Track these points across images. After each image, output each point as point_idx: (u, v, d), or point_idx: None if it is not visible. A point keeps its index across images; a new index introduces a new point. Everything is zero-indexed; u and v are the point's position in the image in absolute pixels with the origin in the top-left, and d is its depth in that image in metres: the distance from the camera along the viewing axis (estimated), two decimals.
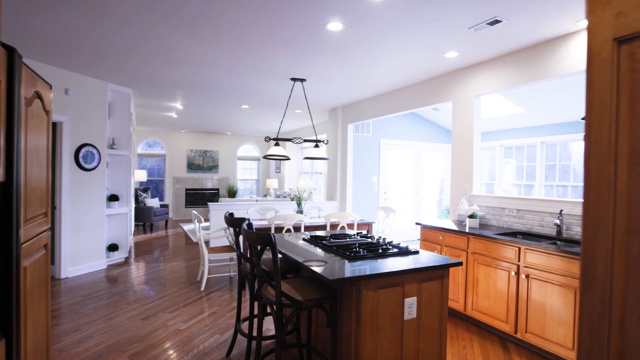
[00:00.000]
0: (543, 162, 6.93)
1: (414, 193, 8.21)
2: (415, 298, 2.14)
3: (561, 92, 5.41)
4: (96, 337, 3.14)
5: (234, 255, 4.62)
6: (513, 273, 3.09)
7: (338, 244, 2.66)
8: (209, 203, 6.58)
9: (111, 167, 5.81)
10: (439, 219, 8.50)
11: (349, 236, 3.03)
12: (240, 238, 5.04)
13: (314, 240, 2.85)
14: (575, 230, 3.23)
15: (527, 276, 2.99)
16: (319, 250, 2.55)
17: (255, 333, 2.90)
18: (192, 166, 11.78)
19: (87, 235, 5.21)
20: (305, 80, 5.18)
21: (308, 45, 3.76)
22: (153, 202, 9.25)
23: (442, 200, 8.63)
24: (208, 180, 12.03)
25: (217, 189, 12.16)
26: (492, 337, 3.30)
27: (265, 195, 12.23)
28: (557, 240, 3.23)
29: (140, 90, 5.98)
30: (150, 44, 3.83)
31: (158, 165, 11.53)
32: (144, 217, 8.68)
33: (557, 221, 3.25)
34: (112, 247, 5.67)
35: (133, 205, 7.78)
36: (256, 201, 7.80)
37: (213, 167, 12.13)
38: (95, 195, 5.30)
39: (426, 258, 2.36)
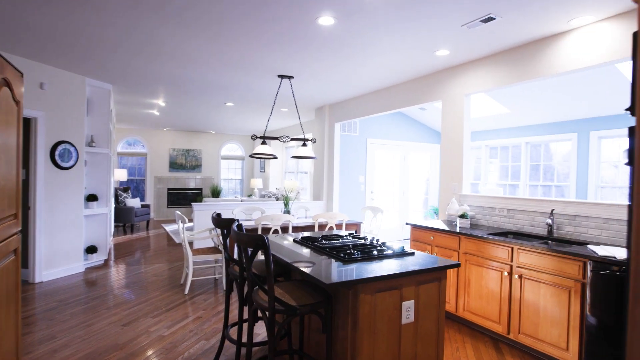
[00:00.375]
0: (528, 162, 7.01)
1: (401, 193, 8.20)
2: (412, 301, 2.07)
3: (548, 92, 5.46)
4: (73, 346, 2.95)
5: (219, 257, 4.48)
6: (506, 273, 3.07)
7: (331, 245, 2.56)
8: (192, 203, 6.39)
9: (90, 165, 5.57)
10: (425, 219, 8.52)
11: (341, 237, 2.94)
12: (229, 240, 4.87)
13: (305, 242, 2.75)
14: (566, 230, 3.23)
15: (520, 276, 2.96)
16: (311, 252, 2.45)
17: (245, 339, 2.78)
18: (174, 165, 11.50)
19: (64, 237, 4.97)
20: (293, 77, 5.07)
21: (298, 40, 3.65)
22: (134, 202, 8.95)
23: (428, 200, 8.65)
24: (191, 180, 11.76)
25: (200, 189, 11.90)
26: (484, 338, 3.27)
27: (249, 195, 12.04)
28: (549, 240, 3.22)
29: (121, 86, 5.75)
30: (133, 37, 3.65)
31: (139, 164, 11.19)
32: (124, 218, 8.40)
33: (549, 221, 3.25)
34: (91, 249, 5.43)
35: (113, 206, 7.50)
36: (241, 201, 7.64)
37: (196, 167, 11.87)
38: (73, 195, 5.06)
39: (423, 260, 2.29)
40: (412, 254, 2.43)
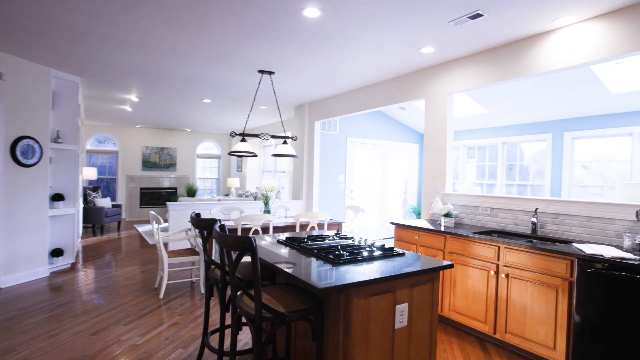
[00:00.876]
0: (504, 162, 7.14)
1: (380, 192, 8.18)
2: (406, 304, 1.98)
3: (525, 93, 5.55)
4: (35, 359, 2.70)
5: (196, 259, 4.27)
6: (492, 272, 3.04)
7: (318, 246, 2.45)
8: (167, 203, 6.12)
9: (55, 163, 5.21)
10: (404, 219, 8.54)
11: (327, 237, 2.83)
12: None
13: (290, 243, 2.62)
14: (550, 228, 3.25)
15: (507, 275, 2.94)
16: (297, 254, 2.32)
17: (227, 347, 2.62)
18: (147, 164, 11.06)
19: (26, 239, 4.61)
20: (273, 73, 4.92)
21: (281, 33, 3.51)
22: (104, 202, 8.53)
23: (406, 200, 8.68)
24: (165, 179, 11.35)
25: (175, 188, 11.51)
26: (470, 338, 3.24)
27: (226, 195, 11.75)
28: (533, 239, 3.23)
29: (90, 79, 5.42)
30: (103, 25, 3.40)
31: (110, 162, 10.70)
32: (93, 219, 7.97)
33: (534, 219, 3.25)
34: (56, 252, 5.08)
35: (81, 206, 7.09)
36: (218, 200, 7.39)
37: (170, 165, 11.47)
38: (36, 195, 4.71)
39: (415, 260, 2.21)
40: (403, 254, 2.35)
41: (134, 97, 6.70)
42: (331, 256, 2.17)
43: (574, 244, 2.81)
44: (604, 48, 2.95)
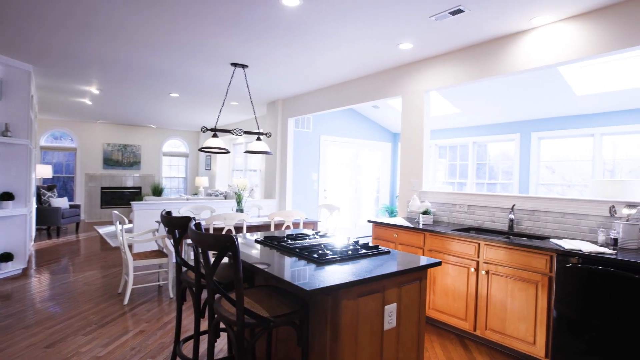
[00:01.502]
0: (474, 161, 7.29)
1: (353, 191, 8.15)
2: (395, 304, 1.89)
3: (496, 94, 5.67)
4: None
5: (164, 261, 4.02)
6: (472, 269, 3.03)
7: (300, 245, 2.32)
8: (132, 202, 5.77)
9: (4, 158, 4.75)
10: (377, 218, 8.55)
11: (308, 236, 2.71)
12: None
13: (269, 242, 2.48)
14: (525, 224, 3.29)
15: (487, 272, 2.94)
16: (278, 254, 2.18)
17: (204, 356, 2.43)
18: (109, 162, 10.45)
19: None
20: (247, 66, 4.73)
21: (258, 23, 3.35)
22: (60, 202, 7.94)
23: (379, 199, 8.70)
24: (128, 178, 10.78)
25: (139, 188, 10.96)
26: (450, 335, 3.22)
27: (195, 194, 11.33)
28: (510, 235, 3.25)
29: (45, 67, 4.99)
30: (59, 5, 3.09)
31: (67, 160, 10.01)
32: (49, 220, 7.40)
33: (512, 216, 3.28)
34: (5, 257, 4.63)
35: (34, 206, 6.55)
36: (187, 200, 7.07)
37: (134, 164, 10.91)
38: None
39: (401, 258, 2.13)
40: (388, 252, 2.27)
41: (94, 90, 6.27)
42: (315, 255, 2.05)
43: (551, 240, 2.85)
44: (577, 49, 3.01)
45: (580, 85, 5.02)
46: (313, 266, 1.90)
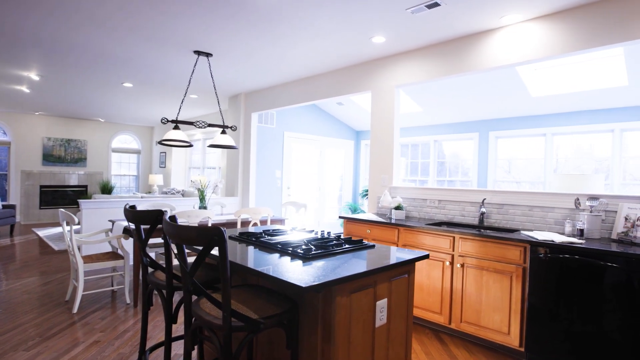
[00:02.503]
0: (435, 159, 7.49)
1: (317, 189, 8.06)
2: (386, 300, 1.80)
3: (457, 94, 5.83)
4: None
5: (119, 263, 3.67)
6: (447, 263, 3.04)
7: (282, 241, 2.17)
8: (79, 200, 5.26)
9: None
10: (344, 214, 8.53)
11: (285, 232, 2.56)
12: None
13: (247, 238, 2.30)
14: (495, 218, 3.37)
15: (462, 265, 2.96)
16: (257, 250, 2.02)
17: None
18: (50, 158, 9.54)
19: None
20: (211, 55, 4.46)
21: (227, 6, 3.13)
22: None
23: (342, 197, 8.69)
24: (72, 176, 9.92)
25: (85, 186, 10.12)
26: (425, 330, 3.21)
27: (148, 193, 10.66)
28: (481, 228, 3.31)
29: None
30: None
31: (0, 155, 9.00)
32: None
33: (483, 209, 3.34)
34: None
35: None
36: (142, 197, 6.60)
37: (79, 160, 10.05)
38: None
39: (387, 252, 2.05)
40: (373, 246, 2.19)
41: (33, 75, 5.64)
42: (300, 251, 1.91)
43: (521, 232, 2.92)
44: (545, 48, 3.12)
45: (536, 87, 5.29)
46: (300, 262, 1.77)
